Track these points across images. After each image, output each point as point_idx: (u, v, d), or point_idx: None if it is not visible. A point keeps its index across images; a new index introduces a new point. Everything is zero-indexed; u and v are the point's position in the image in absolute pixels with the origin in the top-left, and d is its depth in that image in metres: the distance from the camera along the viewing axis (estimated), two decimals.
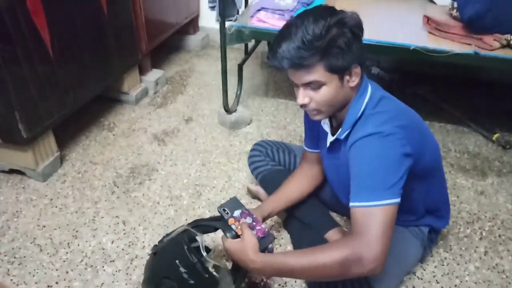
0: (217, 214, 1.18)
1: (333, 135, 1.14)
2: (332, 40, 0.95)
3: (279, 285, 1.30)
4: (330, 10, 0.99)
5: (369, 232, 0.91)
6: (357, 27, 0.98)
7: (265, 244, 1.09)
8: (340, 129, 1.09)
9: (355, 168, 1.00)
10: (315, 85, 1.00)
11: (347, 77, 1.01)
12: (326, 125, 1.18)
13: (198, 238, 1.13)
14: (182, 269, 1.04)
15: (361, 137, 0.99)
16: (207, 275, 1.05)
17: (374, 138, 0.97)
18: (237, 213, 1.14)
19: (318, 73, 0.98)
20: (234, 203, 1.18)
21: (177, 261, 1.05)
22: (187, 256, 1.05)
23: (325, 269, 0.93)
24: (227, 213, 1.14)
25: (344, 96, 1.04)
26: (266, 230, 1.12)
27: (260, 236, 1.09)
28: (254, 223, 1.13)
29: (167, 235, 1.18)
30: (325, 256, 0.93)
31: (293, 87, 1.07)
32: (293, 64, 0.97)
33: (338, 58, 0.96)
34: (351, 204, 0.97)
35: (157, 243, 1.18)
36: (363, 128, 1.01)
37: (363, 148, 0.99)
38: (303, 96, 1.03)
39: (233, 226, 1.11)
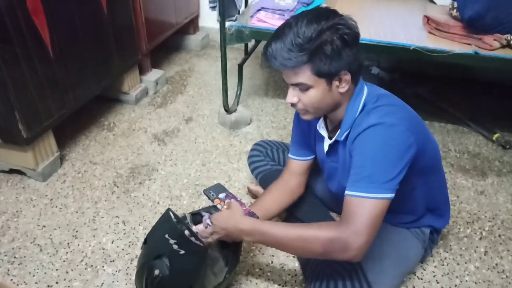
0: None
1: (330, 138, 1.14)
2: (321, 45, 0.94)
3: (279, 285, 1.30)
4: (327, 14, 0.98)
5: (359, 221, 0.93)
6: (350, 35, 0.97)
7: None
8: (339, 130, 1.08)
9: (358, 158, 1.00)
10: (303, 87, 1.01)
11: (336, 83, 1.01)
12: (322, 129, 1.17)
13: (186, 216, 1.18)
14: (171, 241, 1.05)
15: (365, 128, 0.99)
16: (197, 241, 1.06)
17: (379, 128, 0.97)
18: (222, 195, 1.19)
19: (305, 76, 0.98)
20: (219, 187, 1.22)
21: (166, 235, 1.07)
22: (176, 226, 1.08)
23: (308, 245, 0.98)
24: (213, 195, 1.18)
25: (333, 100, 1.04)
26: (251, 210, 1.17)
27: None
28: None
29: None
30: (311, 233, 0.98)
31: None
32: (280, 65, 0.98)
33: (325, 63, 0.96)
34: (346, 192, 0.98)
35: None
36: (366, 120, 1.00)
37: (368, 139, 0.99)
38: (292, 95, 1.04)
39: (219, 206, 1.16)
